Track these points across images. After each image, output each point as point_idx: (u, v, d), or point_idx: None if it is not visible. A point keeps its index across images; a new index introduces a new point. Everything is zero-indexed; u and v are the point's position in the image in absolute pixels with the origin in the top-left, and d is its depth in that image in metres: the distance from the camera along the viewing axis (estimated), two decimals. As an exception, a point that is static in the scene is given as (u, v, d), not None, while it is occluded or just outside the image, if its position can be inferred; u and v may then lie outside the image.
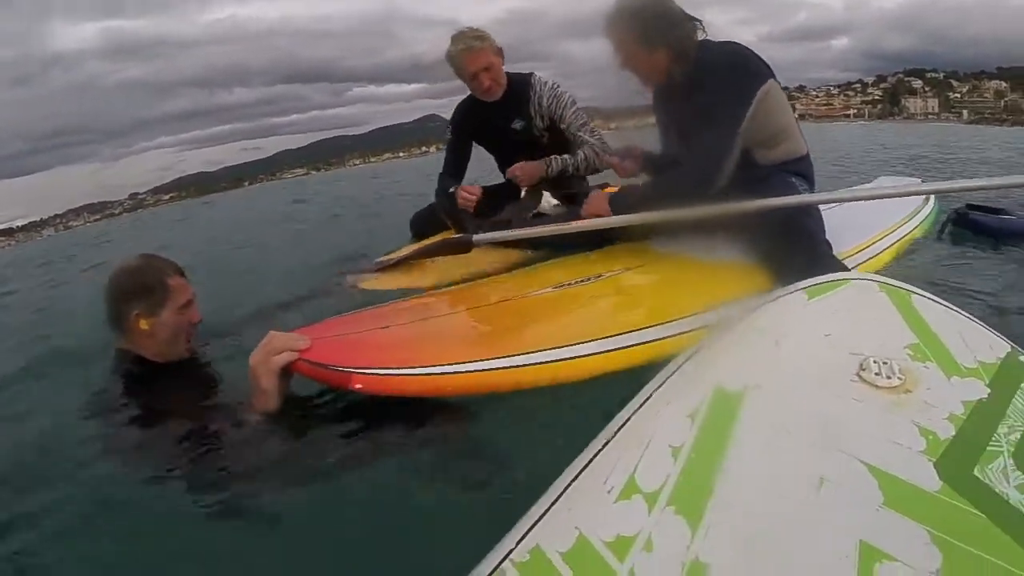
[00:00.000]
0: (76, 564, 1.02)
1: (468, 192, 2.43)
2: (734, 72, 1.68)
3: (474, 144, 2.72)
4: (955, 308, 1.02)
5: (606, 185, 2.42)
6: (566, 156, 2.47)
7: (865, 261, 1.89)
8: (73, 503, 1.14)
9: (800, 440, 0.72)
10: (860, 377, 0.81)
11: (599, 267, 1.82)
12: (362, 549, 0.97)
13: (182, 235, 7.91)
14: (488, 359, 1.25)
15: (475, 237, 2.04)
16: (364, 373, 1.19)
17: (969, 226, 2.53)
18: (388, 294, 1.98)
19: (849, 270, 1.64)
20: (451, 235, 2.29)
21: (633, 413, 0.79)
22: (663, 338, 1.38)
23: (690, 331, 1.39)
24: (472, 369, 1.23)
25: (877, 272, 1.78)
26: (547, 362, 1.28)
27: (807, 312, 1.01)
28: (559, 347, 1.30)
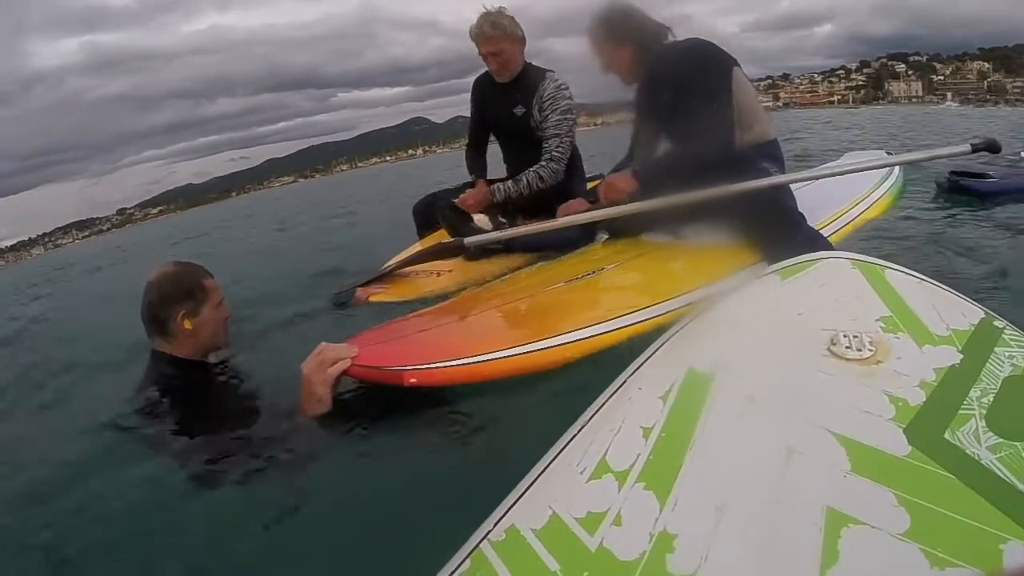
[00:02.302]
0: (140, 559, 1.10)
1: (471, 198, 2.56)
2: (708, 60, 1.86)
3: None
4: (929, 280, 1.03)
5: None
6: (509, 183, 2.55)
7: (838, 230, 2.04)
8: (132, 503, 1.22)
9: (768, 414, 0.73)
10: (831, 352, 0.82)
11: (599, 262, 1.94)
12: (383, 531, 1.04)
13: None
14: (521, 345, 1.39)
15: (467, 240, 2.11)
16: (416, 369, 1.29)
17: (962, 191, 3.04)
18: (401, 306, 2.10)
19: (827, 239, 1.81)
20: (444, 239, 2.38)
21: (608, 399, 0.81)
22: (666, 313, 1.51)
23: (687, 305, 1.50)
24: (508, 355, 1.36)
25: (853, 240, 2.01)
26: (569, 343, 1.41)
27: (780, 293, 1.02)
28: (578, 329, 1.44)
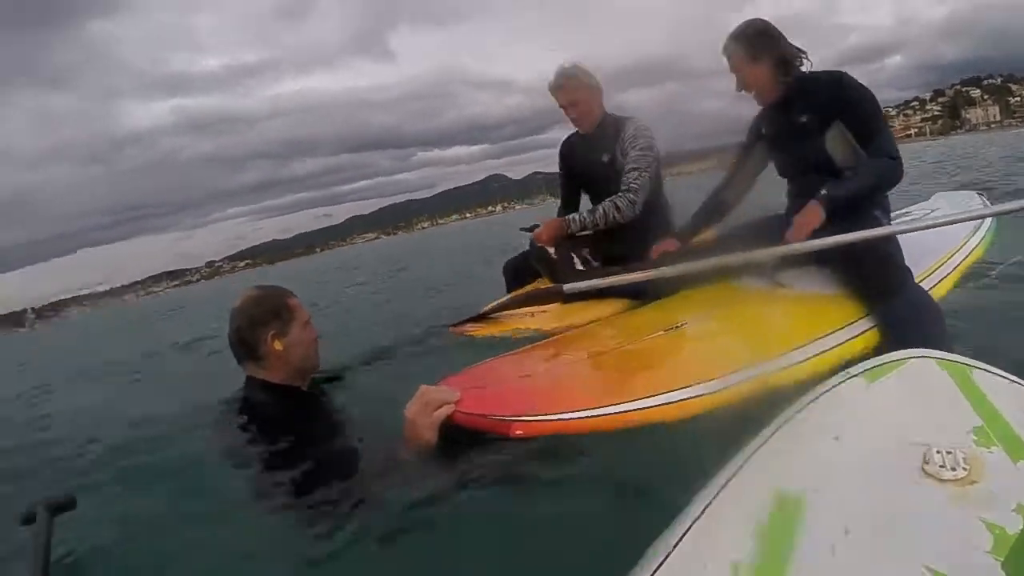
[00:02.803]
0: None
1: (544, 231, 2.57)
2: (868, 91, 1.93)
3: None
4: (1018, 380, 0.99)
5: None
6: (584, 213, 2.57)
7: (936, 284, 2.00)
8: (230, 537, 1.25)
9: (864, 549, 0.72)
10: (924, 471, 0.79)
11: (697, 310, 1.91)
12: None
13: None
14: (621, 403, 1.38)
15: (566, 286, 2.13)
16: (522, 420, 1.31)
17: None
18: (499, 343, 2.14)
19: (932, 300, 1.77)
20: (544, 284, 2.45)
21: (692, 524, 0.78)
22: (773, 372, 1.50)
23: (793, 365, 1.52)
24: (609, 412, 1.36)
25: (945, 296, 1.98)
26: (668, 403, 1.40)
27: (866, 399, 1.00)
28: (678, 389, 1.42)
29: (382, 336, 2.79)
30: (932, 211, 2.81)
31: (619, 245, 2.57)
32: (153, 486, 1.60)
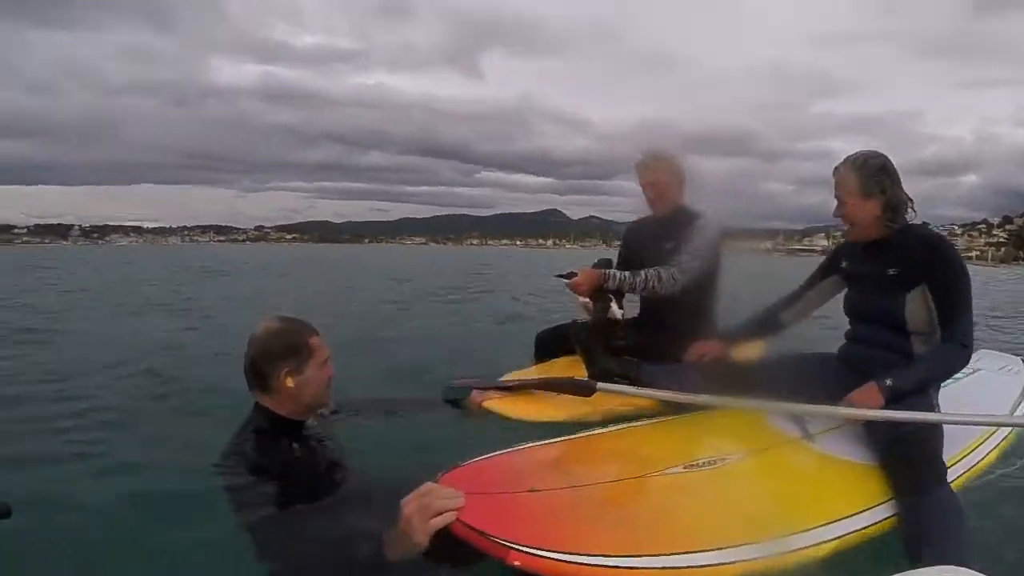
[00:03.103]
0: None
1: (583, 281, 2.47)
2: (964, 267, 1.86)
3: None
4: None
5: None
6: (626, 273, 2.49)
7: (961, 476, 1.85)
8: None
9: None
10: None
11: (723, 444, 1.82)
12: None
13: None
14: (636, 556, 1.30)
15: (599, 385, 2.05)
16: (522, 551, 1.23)
17: None
18: (520, 429, 2.06)
19: (960, 508, 1.62)
20: (576, 360, 2.36)
21: None
22: (795, 549, 1.42)
23: (820, 543, 1.46)
24: (624, 566, 1.28)
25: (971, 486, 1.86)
26: (682, 568, 1.31)
27: None
28: (697, 551, 1.34)
29: (399, 373, 2.77)
30: (974, 371, 2.64)
31: (652, 319, 2.60)
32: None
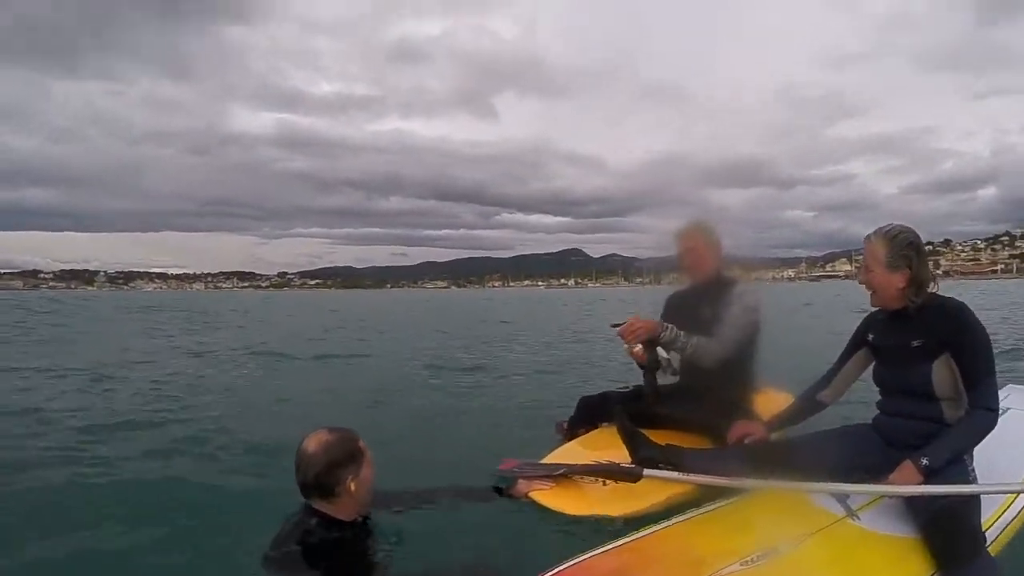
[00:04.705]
0: None
1: (640, 327, 2.49)
2: (986, 335, 1.93)
3: None
4: None
5: None
6: (681, 332, 2.50)
7: (1008, 526, 1.92)
8: None
9: None
10: None
11: (773, 533, 1.77)
12: None
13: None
14: None
15: (646, 472, 2.03)
16: None
17: None
18: (557, 518, 2.14)
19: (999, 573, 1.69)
20: (621, 437, 2.26)
21: None
22: None
23: None
24: None
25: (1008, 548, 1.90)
26: None
27: None
28: None
29: (440, 460, 2.86)
30: (1004, 410, 2.38)
31: (691, 389, 2.64)
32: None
